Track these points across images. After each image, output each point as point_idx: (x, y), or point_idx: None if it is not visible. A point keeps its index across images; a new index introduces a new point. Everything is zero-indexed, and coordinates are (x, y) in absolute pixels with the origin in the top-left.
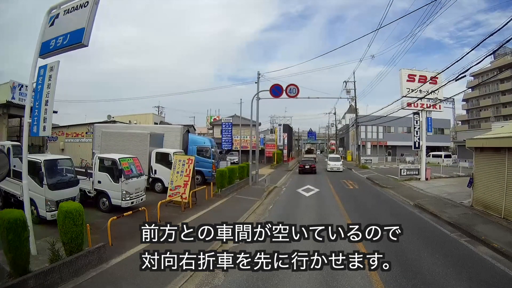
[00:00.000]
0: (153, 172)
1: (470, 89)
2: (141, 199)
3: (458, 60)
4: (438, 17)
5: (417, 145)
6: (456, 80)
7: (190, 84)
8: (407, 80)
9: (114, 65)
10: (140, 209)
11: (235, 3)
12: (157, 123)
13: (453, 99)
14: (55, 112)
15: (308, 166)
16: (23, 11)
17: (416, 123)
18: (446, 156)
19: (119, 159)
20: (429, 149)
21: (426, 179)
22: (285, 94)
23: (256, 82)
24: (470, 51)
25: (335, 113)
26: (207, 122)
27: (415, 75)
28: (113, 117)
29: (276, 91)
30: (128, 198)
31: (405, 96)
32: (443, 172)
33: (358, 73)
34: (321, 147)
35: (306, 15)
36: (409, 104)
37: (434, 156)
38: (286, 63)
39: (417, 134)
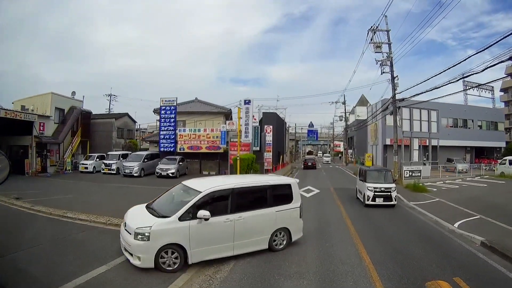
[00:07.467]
0: None
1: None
2: None
3: None
4: None
5: None
6: None
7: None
8: None
9: (115, 66)
10: None
11: (235, 3)
12: (62, 109)
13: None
14: None
15: (310, 164)
16: (24, 11)
17: None
18: None
19: None
20: (484, 150)
21: None
22: None
23: None
24: None
25: (344, 102)
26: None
27: None
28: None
29: None
30: None
31: None
32: None
33: (358, 76)
34: (323, 149)
35: (308, 16)
36: None
37: None
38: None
39: None
